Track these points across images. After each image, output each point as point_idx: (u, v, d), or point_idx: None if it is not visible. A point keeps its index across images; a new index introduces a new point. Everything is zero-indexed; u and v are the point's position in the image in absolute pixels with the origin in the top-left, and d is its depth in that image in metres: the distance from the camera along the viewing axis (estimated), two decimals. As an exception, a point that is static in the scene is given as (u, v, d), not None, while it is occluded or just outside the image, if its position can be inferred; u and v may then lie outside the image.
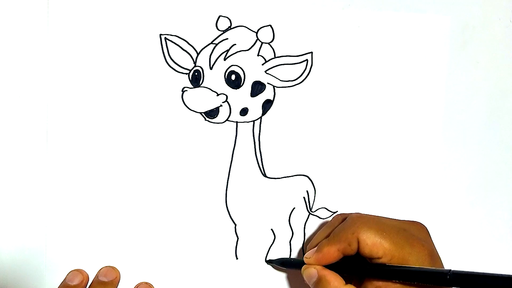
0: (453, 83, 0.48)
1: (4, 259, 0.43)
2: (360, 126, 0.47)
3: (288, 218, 0.47)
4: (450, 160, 0.49)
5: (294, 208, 0.47)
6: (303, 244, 0.47)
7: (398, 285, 0.38)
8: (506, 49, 0.49)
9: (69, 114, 0.43)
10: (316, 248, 0.41)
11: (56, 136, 0.43)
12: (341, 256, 0.40)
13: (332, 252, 0.40)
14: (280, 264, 0.46)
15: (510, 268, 0.50)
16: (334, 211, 0.47)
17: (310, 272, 0.41)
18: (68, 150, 0.43)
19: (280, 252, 0.47)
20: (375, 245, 0.38)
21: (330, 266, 0.41)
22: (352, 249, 0.39)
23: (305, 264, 0.42)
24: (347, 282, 0.40)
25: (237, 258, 0.46)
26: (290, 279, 0.47)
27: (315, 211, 0.47)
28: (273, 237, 0.47)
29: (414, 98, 0.47)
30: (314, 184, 0.47)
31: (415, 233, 0.40)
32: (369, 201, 0.47)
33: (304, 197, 0.47)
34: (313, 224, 0.47)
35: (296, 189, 0.47)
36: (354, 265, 0.40)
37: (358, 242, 0.39)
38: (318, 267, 0.41)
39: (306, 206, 0.47)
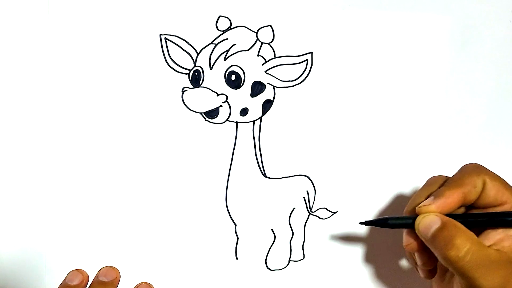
0: (453, 83, 0.48)
1: (4, 260, 0.43)
2: (360, 126, 0.47)
3: (288, 218, 0.47)
4: (450, 160, 0.49)
5: (294, 208, 0.47)
6: (303, 244, 0.47)
7: None
8: (506, 49, 0.49)
9: (69, 114, 0.43)
10: (432, 196, 0.37)
11: (56, 136, 0.43)
12: (461, 203, 0.37)
13: (456, 196, 0.36)
14: (380, 224, 0.41)
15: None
16: (334, 211, 0.47)
17: (431, 219, 0.36)
18: (68, 150, 0.43)
19: (280, 252, 0.47)
20: (500, 189, 0.36)
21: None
22: (476, 192, 0.36)
23: (416, 217, 0.37)
24: None
25: (237, 258, 0.46)
26: (290, 280, 0.47)
27: (315, 211, 0.47)
28: (273, 237, 0.47)
29: (414, 98, 0.47)
30: (314, 184, 0.47)
31: None
32: (370, 201, 0.47)
33: (304, 197, 0.47)
34: (313, 224, 0.47)
35: (296, 189, 0.47)
36: (478, 214, 0.37)
37: (484, 185, 0.36)
38: (439, 214, 0.36)
39: (306, 206, 0.47)
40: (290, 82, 0.45)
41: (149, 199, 0.44)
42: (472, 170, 0.38)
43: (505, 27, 0.48)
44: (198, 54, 0.44)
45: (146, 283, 0.37)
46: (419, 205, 0.37)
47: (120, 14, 0.43)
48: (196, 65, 0.44)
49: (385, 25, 0.46)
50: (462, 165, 0.39)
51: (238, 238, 0.46)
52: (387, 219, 0.40)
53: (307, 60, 0.45)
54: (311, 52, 0.45)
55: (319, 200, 0.47)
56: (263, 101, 0.45)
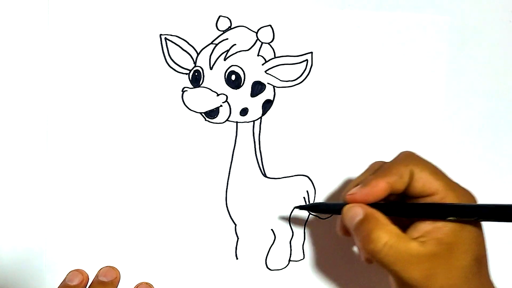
0: (452, 83, 0.48)
1: (4, 259, 0.43)
2: (360, 126, 0.47)
3: (288, 218, 0.47)
4: (449, 160, 0.49)
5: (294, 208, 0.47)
6: (303, 244, 0.47)
7: (449, 227, 0.34)
8: (505, 49, 0.49)
9: (69, 114, 0.43)
10: (360, 184, 0.37)
11: (56, 136, 0.43)
12: (389, 192, 0.36)
13: (381, 185, 0.36)
14: (312, 209, 0.42)
15: None
16: (334, 211, 0.47)
17: (355, 210, 0.36)
18: (68, 150, 0.43)
19: (280, 252, 0.47)
20: (428, 180, 0.35)
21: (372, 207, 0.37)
22: (403, 183, 0.36)
23: (345, 205, 0.38)
24: None
25: (237, 258, 0.46)
26: (290, 280, 0.47)
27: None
28: (273, 237, 0.47)
29: (414, 98, 0.47)
30: (314, 184, 0.47)
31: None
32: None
33: (304, 197, 0.47)
34: (313, 224, 0.47)
35: (296, 189, 0.47)
36: (403, 204, 0.36)
37: (411, 176, 0.36)
38: (363, 205, 0.36)
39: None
40: (290, 82, 0.45)
41: (149, 199, 0.44)
42: (401, 160, 0.37)
43: (505, 27, 0.48)
44: (198, 54, 0.44)
45: (146, 283, 0.37)
46: (348, 192, 0.38)
47: (120, 14, 0.43)
48: (196, 65, 0.44)
49: (384, 25, 0.46)
50: (400, 153, 0.38)
51: (238, 238, 0.46)
52: (318, 204, 0.41)
53: (307, 60, 0.45)
54: (311, 52, 0.45)
55: (319, 200, 0.47)
56: (263, 101, 0.45)
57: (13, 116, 0.42)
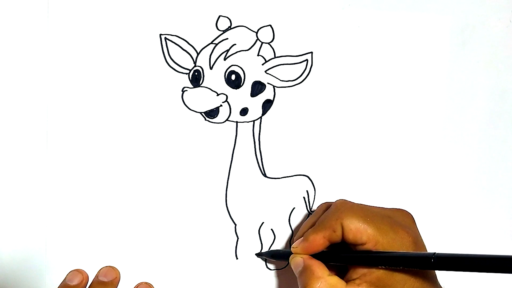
0: (453, 83, 0.48)
1: (4, 259, 0.43)
2: (360, 126, 0.47)
3: (288, 218, 0.47)
4: (450, 160, 0.49)
5: (294, 208, 0.47)
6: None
7: (382, 271, 0.37)
8: (506, 49, 0.49)
9: (69, 114, 0.43)
10: (302, 237, 0.41)
11: (56, 136, 0.43)
12: (328, 243, 0.40)
13: (318, 240, 0.40)
14: (270, 256, 0.46)
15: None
16: (334, 211, 0.47)
17: (297, 261, 0.41)
18: (68, 150, 0.43)
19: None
20: (358, 230, 0.38)
21: (317, 256, 0.40)
22: (337, 235, 0.39)
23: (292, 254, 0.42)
24: (334, 272, 0.40)
25: (237, 258, 0.46)
26: (290, 280, 0.47)
27: (315, 211, 0.47)
28: (273, 237, 0.47)
29: (414, 98, 0.47)
30: (314, 184, 0.47)
31: (399, 220, 0.40)
32: (369, 201, 0.47)
33: (304, 197, 0.47)
34: (313, 224, 0.47)
35: (296, 189, 0.47)
36: (339, 253, 0.40)
37: (342, 228, 0.38)
38: (305, 256, 0.41)
39: (306, 206, 0.47)
40: (290, 82, 0.45)
41: (149, 199, 0.44)
42: (333, 213, 0.40)
43: (505, 27, 0.48)
44: (198, 54, 0.44)
45: (146, 283, 0.37)
46: (292, 245, 0.42)
47: (120, 14, 0.43)
48: (196, 65, 0.44)
49: (385, 25, 0.46)
50: (333, 203, 0.41)
51: (238, 238, 0.46)
52: (272, 253, 0.46)
53: (307, 60, 0.45)
54: (311, 52, 0.45)
55: (319, 200, 0.47)
56: (263, 101, 0.45)
57: (13, 116, 0.42)
